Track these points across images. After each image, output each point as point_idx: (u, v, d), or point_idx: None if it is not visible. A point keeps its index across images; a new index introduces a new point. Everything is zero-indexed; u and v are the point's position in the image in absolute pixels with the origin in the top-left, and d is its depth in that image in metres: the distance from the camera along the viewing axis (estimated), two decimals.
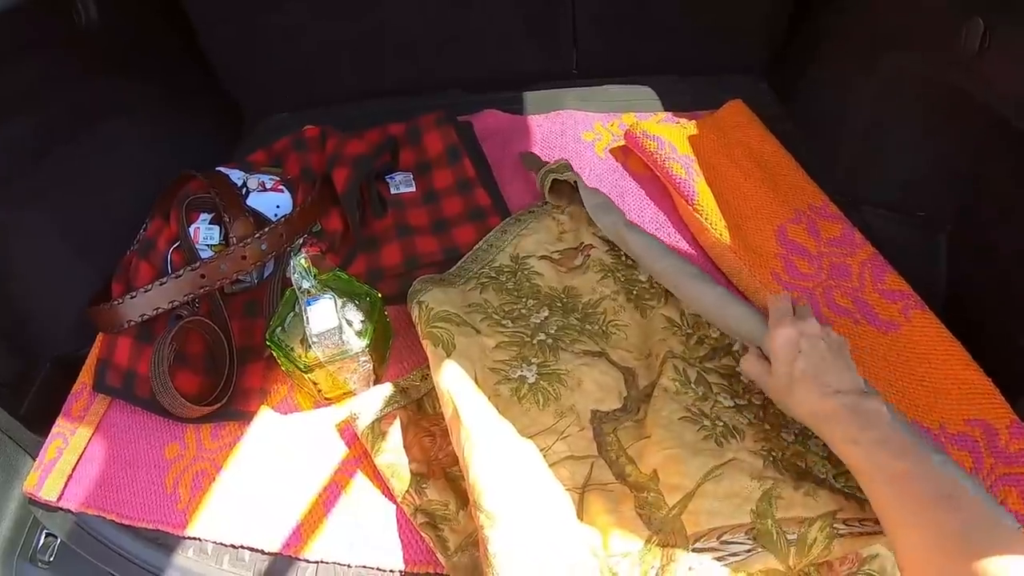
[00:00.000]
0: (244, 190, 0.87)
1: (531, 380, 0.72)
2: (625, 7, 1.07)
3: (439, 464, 0.69)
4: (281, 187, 0.88)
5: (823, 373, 0.58)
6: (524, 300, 0.80)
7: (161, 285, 0.78)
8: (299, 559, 0.67)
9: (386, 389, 0.74)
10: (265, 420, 0.76)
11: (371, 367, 0.73)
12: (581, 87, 1.11)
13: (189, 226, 0.84)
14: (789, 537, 0.54)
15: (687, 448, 0.61)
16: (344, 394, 0.75)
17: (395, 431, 0.70)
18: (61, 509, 0.76)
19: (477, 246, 0.86)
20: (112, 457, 0.78)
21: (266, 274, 0.85)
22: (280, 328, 0.72)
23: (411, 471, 0.67)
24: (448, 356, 0.70)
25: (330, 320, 0.70)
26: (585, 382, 0.71)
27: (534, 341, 0.75)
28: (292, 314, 0.73)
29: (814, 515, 0.55)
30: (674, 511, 0.58)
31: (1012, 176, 0.76)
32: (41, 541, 0.79)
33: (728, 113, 1.01)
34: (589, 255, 0.84)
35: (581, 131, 1.01)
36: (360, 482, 0.70)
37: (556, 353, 0.74)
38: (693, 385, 0.69)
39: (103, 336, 0.84)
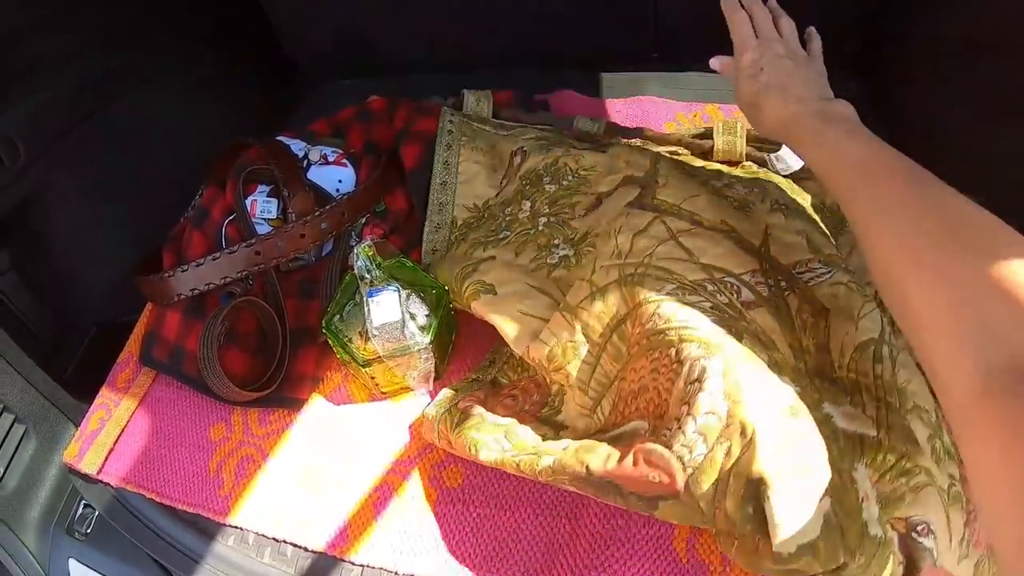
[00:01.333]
0: (305, 162, 0.82)
1: (570, 252, 0.70)
2: None
3: (528, 414, 0.64)
4: (344, 161, 0.83)
5: (789, 85, 0.59)
6: (500, 214, 0.77)
7: (214, 260, 0.74)
8: (344, 560, 0.64)
9: (456, 386, 0.70)
10: (316, 409, 0.72)
11: (432, 363, 0.68)
12: (662, 71, 1.03)
13: (246, 198, 0.80)
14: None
15: (736, 212, 0.66)
16: (402, 389, 0.71)
17: (476, 409, 0.64)
18: (100, 482, 0.74)
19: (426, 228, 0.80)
20: (155, 433, 0.75)
21: (324, 252, 0.81)
22: (338, 317, 0.68)
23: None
24: (497, 294, 0.68)
25: (393, 313, 0.65)
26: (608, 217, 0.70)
27: (540, 227, 0.73)
28: (352, 303, 0.68)
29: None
30: (762, 248, 0.62)
31: None
32: (79, 512, 0.77)
33: None
34: (524, 149, 0.82)
35: (663, 120, 0.94)
36: (414, 485, 0.66)
37: (564, 222, 0.73)
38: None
39: (152, 307, 0.81)
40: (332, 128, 0.90)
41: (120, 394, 0.78)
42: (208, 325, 0.71)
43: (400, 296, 0.65)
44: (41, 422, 0.79)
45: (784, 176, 0.80)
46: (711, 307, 0.55)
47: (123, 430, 0.76)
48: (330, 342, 0.67)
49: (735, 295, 0.57)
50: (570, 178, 0.77)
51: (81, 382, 0.83)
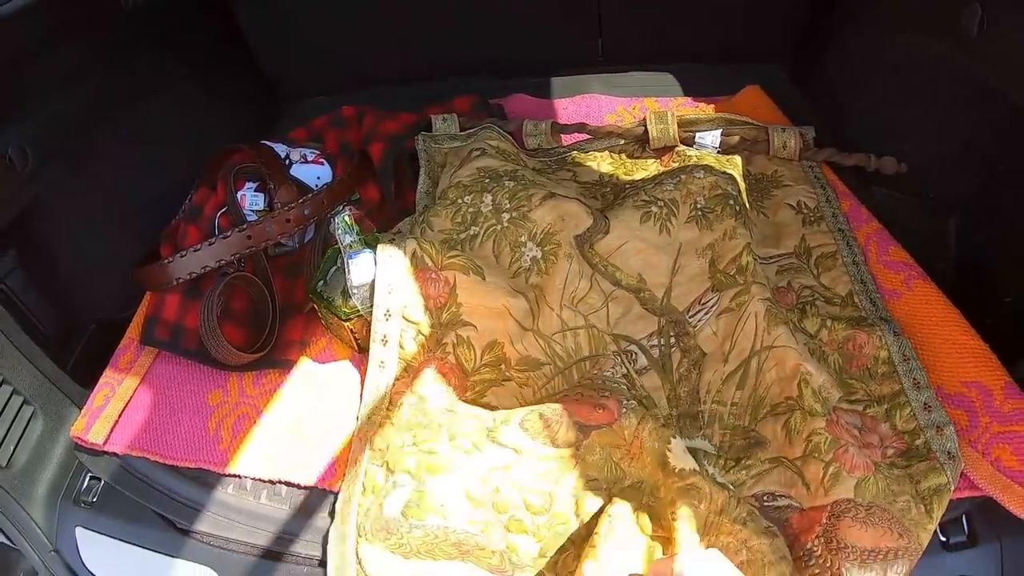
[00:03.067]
0: (287, 161, 0.93)
1: (539, 254, 0.82)
2: None
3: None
4: (322, 160, 0.94)
5: None
6: (461, 202, 0.86)
7: (210, 245, 0.83)
8: (333, 491, 0.71)
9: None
10: (305, 368, 0.81)
11: None
12: (607, 73, 1.18)
13: (236, 193, 0.90)
14: (730, 274, 0.78)
15: (656, 250, 0.82)
16: None
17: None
18: (107, 453, 0.80)
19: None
20: (157, 403, 0.82)
21: (307, 239, 0.91)
22: (322, 282, 0.78)
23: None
24: (485, 279, 0.78)
25: (370, 273, 0.75)
26: (563, 219, 0.83)
27: (505, 223, 0.83)
28: (334, 268, 0.78)
29: (740, 247, 0.78)
30: (664, 300, 0.80)
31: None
32: (85, 484, 0.83)
33: (744, 98, 1.08)
34: (484, 150, 0.92)
35: (604, 114, 1.08)
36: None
37: (524, 215, 0.83)
38: (634, 177, 0.91)
39: (151, 295, 0.89)
40: (309, 134, 1.01)
41: (123, 374, 0.85)
42: (208, 297, 0.80)
43: (375, 258, 0.76)
44: (48, 404, 0.85)
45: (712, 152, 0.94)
46: (620, 377, 0.75)
47: (127, 403, 0.83)
48: (315, 305, 0.77)
49: (632, 364, 0.77)
50: (526, 181, 0.87)
51: (82, 372, 0.90)
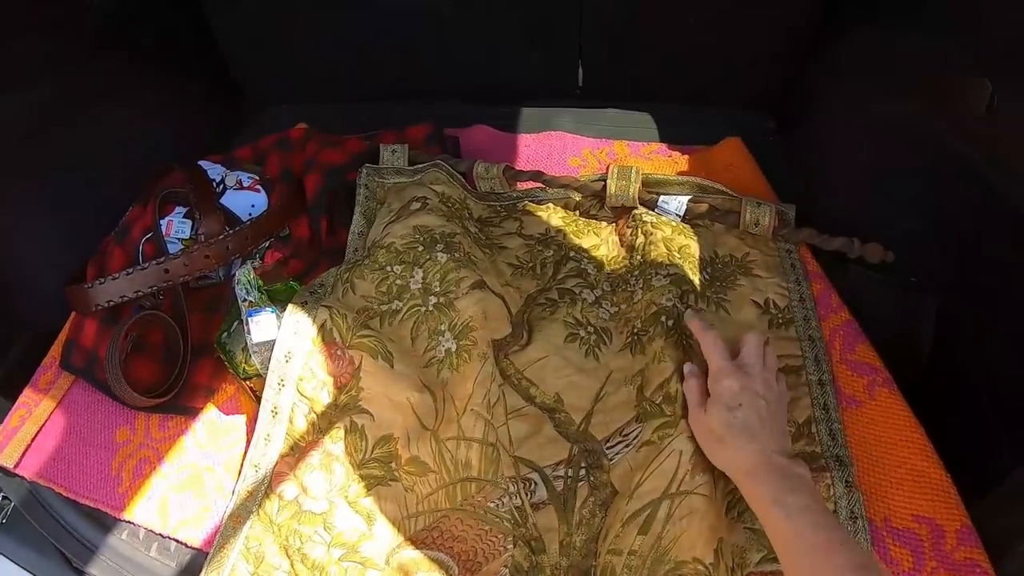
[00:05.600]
0: (221, 187, 0.89)
1: (453, 347, 0.75)
2: (635, 28, 1.04)
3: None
4: (258, 187, 0.90)
5: (758, 432, 0.59)
6: (391, 276, 0.80)
7: (128, 275, 0.81)
8: None
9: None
10: (209, 418, 0.79)
11: None
12: (580, 107, 1.10)
13: (164, 218, 0.86)
14: (656, 403, 0.69)
15: (579, 372, 0.75)
16: None
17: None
18: (17, 475, 0.81)
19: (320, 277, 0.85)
20: (68, 432, 0.81)
21: (232, 271, 0.87)
22: (226, 333, 0.75)
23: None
24: (393, 367, 0.72)
25: (270, 332, 0.71)
26: (485, 317, 0.76)
27: (430, 307, 0.77)
28: (238, 322, 0.75)
29: (668, 372, 0.69)
30: (582, 426, 0.72)
31: (1013, 247, 0.72)
32: None
33: (722, 151, 0.99)
34: (427, 200, 0.86)
35: (568, 156, 1.01)
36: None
37: (451, 303, 0.77)
38: (559, 300, 0.81)
39: (74, 316, 0.87)
40: (255, 154, 0.96)
41: (41, 395, 0.85)
42: (114, 335, 0.78)
43: (278, 317, 0.72)
44: None
45: (673, 220, 0.86)
46: (505, 512, 0.67)
47: (40, 428, 0.82)
48: (220, 355, 0.74)
49: (529, 495, 0.68)
50: (460, 255, 0.80)
51: (11, 385, 0.89)
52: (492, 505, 0.67)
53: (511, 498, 0.68)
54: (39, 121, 0.93)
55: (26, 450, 0.81)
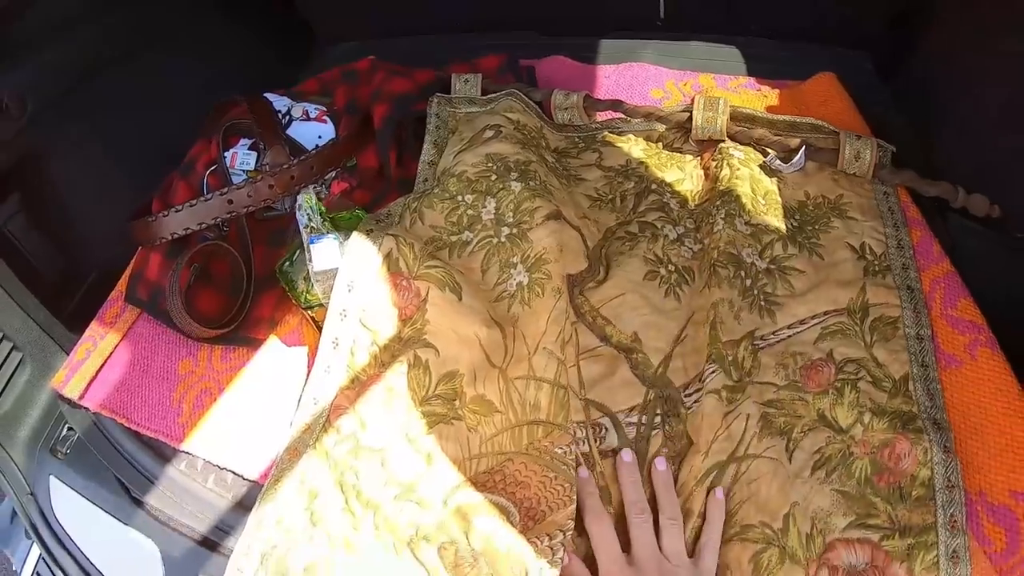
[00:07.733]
0: (288, 118, 0.86)
1: (525, 280, 0.70)
2: None
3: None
4: (325, 118, 0.87)
5: None
6: (462, 205, 0.76)
7: (191, 207, 0.78)
8: None
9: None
10: (271, 349, 0.76)
11: None
12: (664, 39, 1.02)
13: (228, 150, 0.84)
14: (729, 359, 0.65)
15: (658, 312, 0.70)
16: None
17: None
18: (81, 407, 0.80)
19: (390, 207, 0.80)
20: (132, 365, 0.80)
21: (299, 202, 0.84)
22: (288, 262, 0.71)
23: None
24: (461, 300, 0.68)
25: (333, 260, 0.68)
26: (560, 249, 0.72)
27: (502, 239, 0.73)
28: (300, 250, 0.71)
29: (743, 334, 0.67)
30: (659, 369, 0.68)
31: None
32: (62, 434, 0.83)
33: (815, 86, 0.90)
34: (501, 128, 0.81)
35: (650, 88, 0.94)
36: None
37: (523, 233, 0.72)
38: (640, 234, 0.76)
39: (140, 250, 0.86)
40: (321, 87, 0.94)
41: (107, 328, 0.84)
42: (176, 265, 0.76)
43: (340, 245, 0.68)
44: (37, 351, 0.85)
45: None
46: (572, 459, 0.60)
47: (105, 360, 0.81)
48: (283, 284, 0.71)
49: (599, 441, 0.64)
50: (536, 183, 0.76)
51: (79, 320, 0.89)
52: (559, 451, 0.61)
53: (579, 444, 0.63)
54: (96, 60, 0.92)
55: (91, 383, 0.80)
